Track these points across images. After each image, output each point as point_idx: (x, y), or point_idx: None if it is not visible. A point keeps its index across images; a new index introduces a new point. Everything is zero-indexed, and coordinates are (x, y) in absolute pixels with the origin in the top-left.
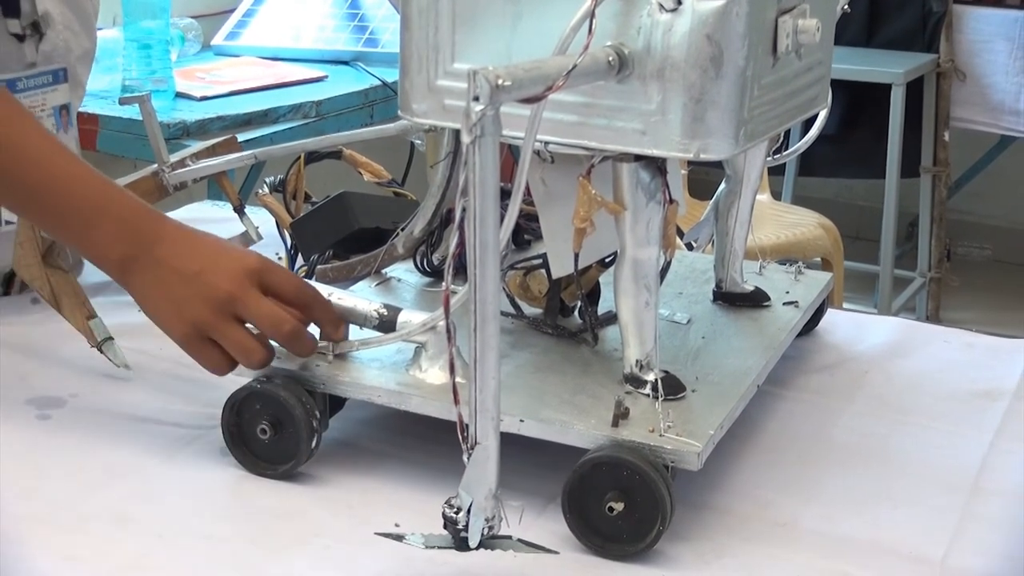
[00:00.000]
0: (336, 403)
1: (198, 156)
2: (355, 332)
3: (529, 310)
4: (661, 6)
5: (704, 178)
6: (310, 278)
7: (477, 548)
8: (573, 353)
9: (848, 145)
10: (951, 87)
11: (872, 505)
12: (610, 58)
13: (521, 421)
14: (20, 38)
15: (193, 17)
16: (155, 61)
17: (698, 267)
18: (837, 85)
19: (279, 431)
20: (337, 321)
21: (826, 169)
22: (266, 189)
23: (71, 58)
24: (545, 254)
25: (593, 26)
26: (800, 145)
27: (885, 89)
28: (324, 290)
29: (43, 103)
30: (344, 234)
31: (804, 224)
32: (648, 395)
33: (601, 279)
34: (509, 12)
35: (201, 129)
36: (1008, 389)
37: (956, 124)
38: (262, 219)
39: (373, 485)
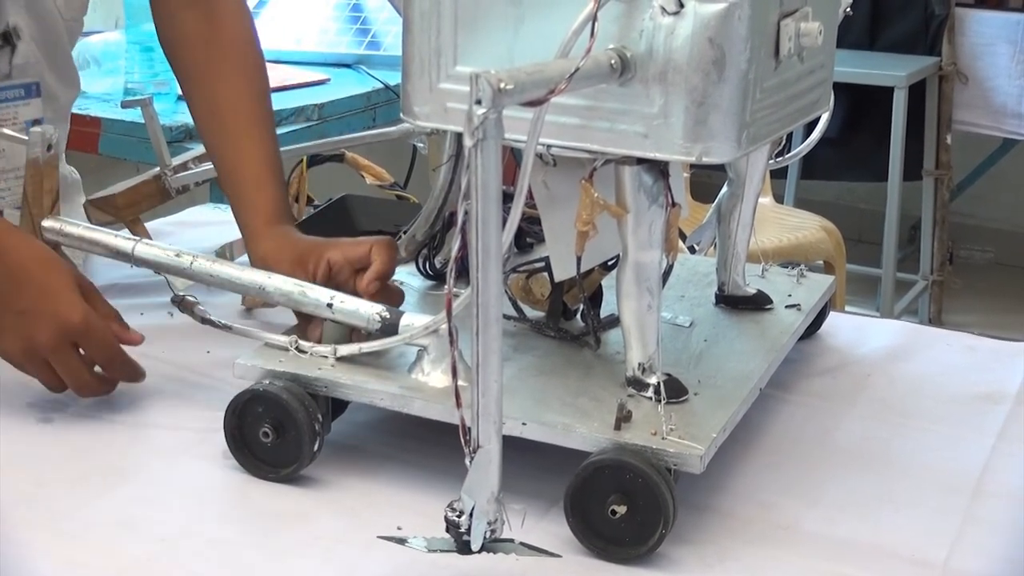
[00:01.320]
0: (338, 406)
1: (200, 159)
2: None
3: (531, 313)
4: (663, 9)
5: (706, 181)
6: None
7: (479, 551)
8: (575, 356)
9: (850, 148)
10: (953, 90)
11: (874, 508)
12: (612, 61)
13: (523, 424)
14: None
15: None
16: (157, 64)
17: (700, 270)
18: (839, 88)
19: (281, 434)
20: (139, 373)
21: (828, 172)
22: None
23: (42, 71)
24: (547, 257)
25: (595, 29)
26: (802, 148)
27: (887, 92)
28: (326, 294)
29: (14, 116)
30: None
31: (806, 227)
32: (650, 398)
33: (603, 282)
34: (511, 15)
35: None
36: (1010, 392)
37: (958, 127)
38: None
39: (375, 488)
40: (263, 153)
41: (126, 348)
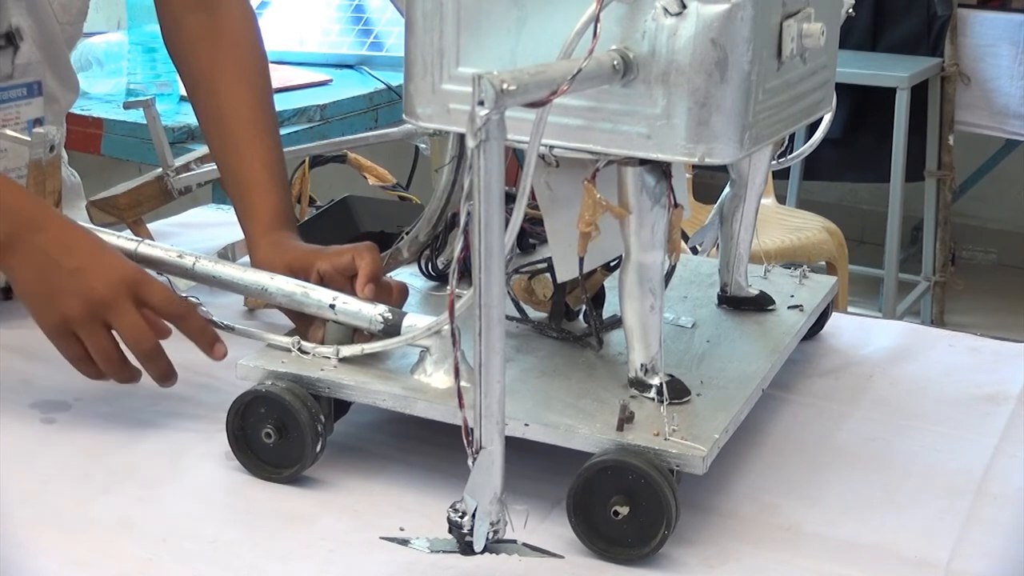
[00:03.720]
0: (341, 407)
1: (202, 160)
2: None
3: (534, 314)
4: (666, 10)
5: (709, 182)
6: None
7: (482, 552)
8: (578, 357)
9: (853, 149)
10: (956, 91)
11: (877, 509)
12: (615, 62)
13: (526, 425)
14: None
15: None
16: (160, 65)
17: (703, 271)
18: (842, 89)
19: (284, 435)
20: (211, 338)
21: (831, 173)
22: None
23: (44, 73)
24: (550, 258)
25: (598, 30)
26: (805, 149)
27: (890, 93)
28: (328, 295)
29: (17, 116)
30: (349, 238)
31: (809, 228)
32: (653, 399)
33: (606, 283)
34: (514, 16)
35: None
36: (1013, 393)
37: (960, 128)
38: None
39: (378, 489)
40: (265, 158)
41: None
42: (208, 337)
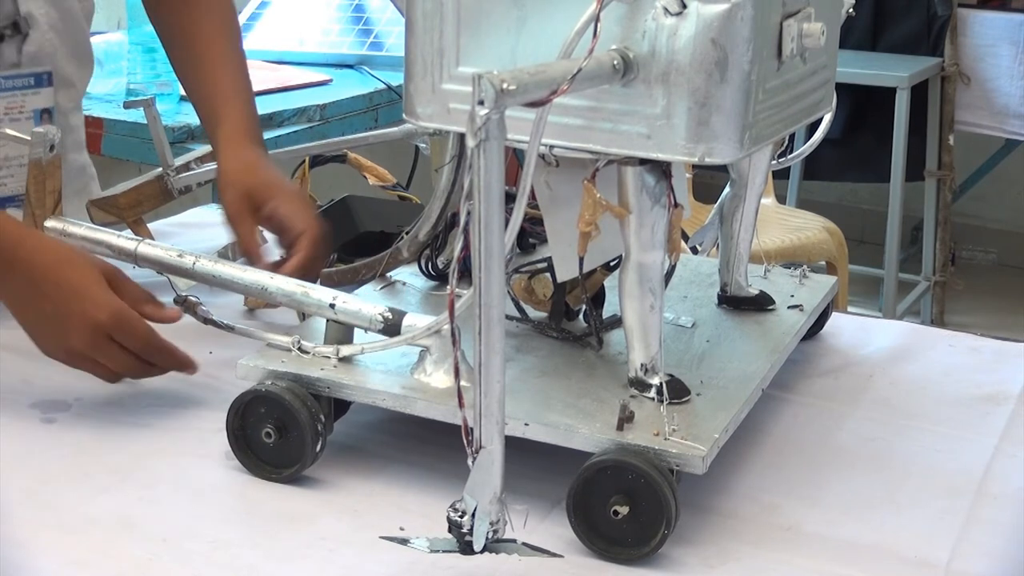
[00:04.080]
0: (341, 407)
1: (203, 160)
2: (359, 336)
3: (534, 314)
4: (666, 10)
5: (709, 182)
6: (315, 281)
7: (482, 552)
8: (578, 357)
9: (853, 149)
10: (956, 91)
11: (877, 509)
12: (615, 62)
13: (526, 425)
14: (0, 38)
15: None
16: (160, 65)
17: (703, 271)
18: (842, 89)
19: (284, 435)
20: (185, 363)
21: (831, 173)
22: None
23: (58, 59)
24: (550, 258)
25: (598, 30)
26: (805, 149)
27: (890, 93)
28: (328, 294)
29: (22, 105)
30: (349, 238)
31: (808, 228)
32: (653, 399)
33: (606, 283)
34: (514, 16)
35: (206, 133)
36: (1013, 393)
37: (960, 128)
38: None
39: (378, 489)
40: (236, 79)
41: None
42: (185, 367)
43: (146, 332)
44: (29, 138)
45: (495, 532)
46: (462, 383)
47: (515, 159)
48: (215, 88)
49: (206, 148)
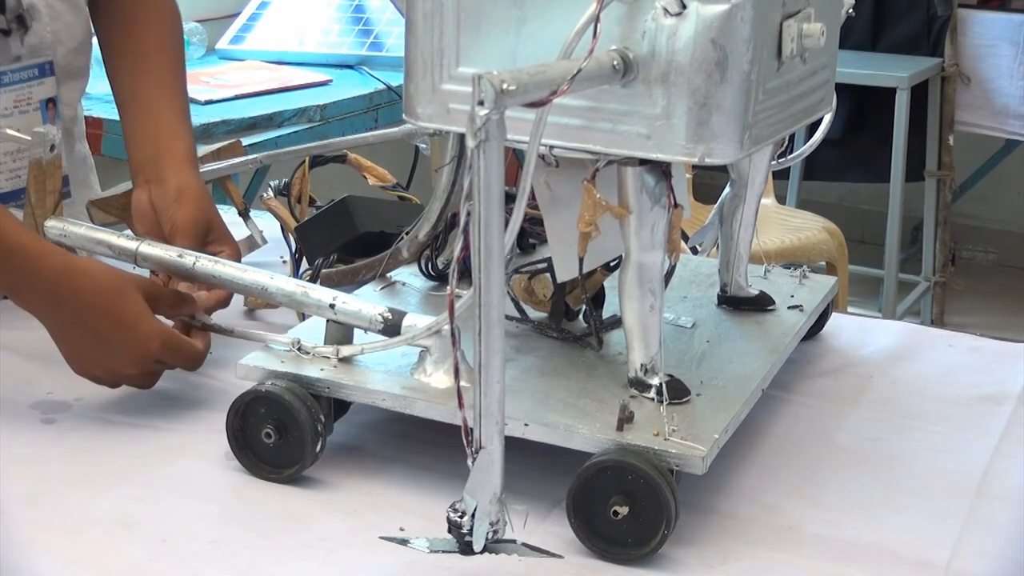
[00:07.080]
0: (341, 407)
1: (203, 160)
2: (359, 336)
3: (534, 314)
4: (666, 10)
5: (708, 182)
6: (315, 282)
7: (481, 552)
8: (578, 357)
9: (853, 149)
10: (956, 91)
11: (877, 509)
12: (615, 62)
13: (526, 425)
14: (6, 32)
15: (198, 21)
16: None
17: (703, 271)
18: (842, 89)
19: (284, 435)
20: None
21: (831, 173)
22: (271, 193)
23: (62, 50)
24: (550, 258)
25: (598, 30)
26: (805, 149)
27: (890, 93)
28: (328, 294)
29: (28, 97)
30: (348, 238)
31: (809, 228)
32: (653, 399)
33: (606, 283)
34: (513, 16)
35: (206, 133)
36: (1013, 393)
37: (960, 128)
38: (267, 223)
39: (377, 489)
40: (182, 108)
41: None
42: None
43: (193, 352)
44: (30, 138)
45: (495, 532)
46: (462, 383)
47: (515, 159)
48: (159, 112)
49: (206, 148)
